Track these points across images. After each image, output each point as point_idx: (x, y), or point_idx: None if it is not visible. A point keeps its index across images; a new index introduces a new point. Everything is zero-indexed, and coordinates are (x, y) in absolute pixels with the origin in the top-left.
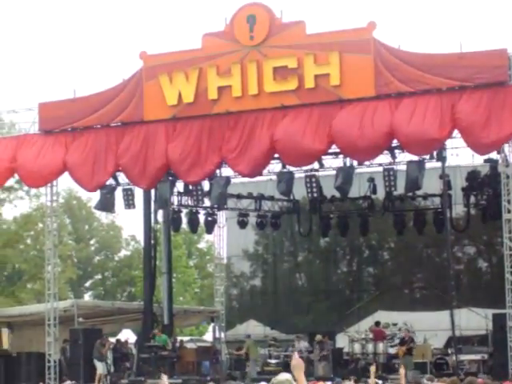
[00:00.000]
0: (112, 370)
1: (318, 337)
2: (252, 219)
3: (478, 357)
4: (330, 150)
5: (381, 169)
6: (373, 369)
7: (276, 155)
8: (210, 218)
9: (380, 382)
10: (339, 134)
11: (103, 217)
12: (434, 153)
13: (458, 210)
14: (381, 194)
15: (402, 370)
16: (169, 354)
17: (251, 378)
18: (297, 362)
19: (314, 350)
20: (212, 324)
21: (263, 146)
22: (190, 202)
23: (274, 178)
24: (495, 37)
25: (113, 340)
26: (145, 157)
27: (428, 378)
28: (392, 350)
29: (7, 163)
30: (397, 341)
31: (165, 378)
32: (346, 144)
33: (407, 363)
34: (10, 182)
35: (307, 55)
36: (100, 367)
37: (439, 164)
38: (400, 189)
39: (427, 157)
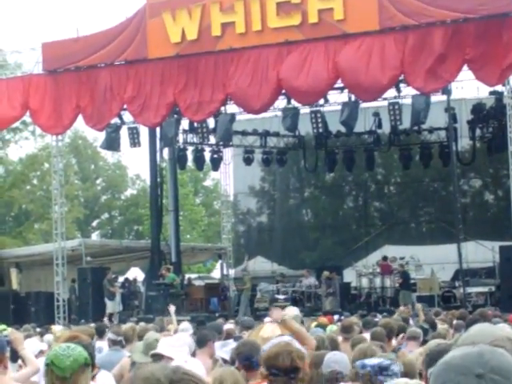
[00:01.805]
0: (121, 308)
1: (326, 273)
2: (258, 156)
3: (485, 289)
4: (335, 85)
5: (386, 103)
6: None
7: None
8: (215, 156)
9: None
10: (346, 70)
11: (109, 156)
12: None
13: (464, 143)
14: (386, 128)
15: (418, 305)
16: (177, 291)
17: (243, 314)
18: (278, 315)
19: (321, 285)
20: (219, 261)
21: (270, 83)
22: (195, 140)
23: (280, 114)
24: None
25: (121, 279)
26: (150, 95)
27: (435, 311)
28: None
29: (18, 107)
30: (398, 276)
31: (172, 308)
32: (353, 81)
33: (405, 297)
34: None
35: None
36: (110, 306)
37: (444, 97)
38: (405, 123)
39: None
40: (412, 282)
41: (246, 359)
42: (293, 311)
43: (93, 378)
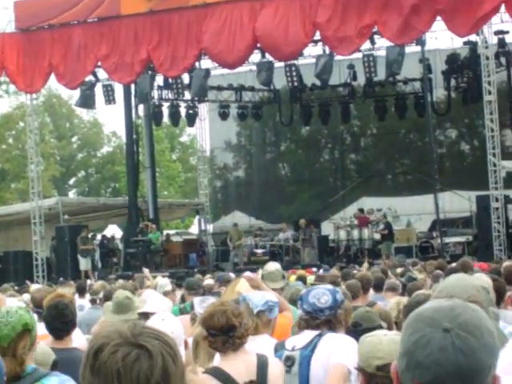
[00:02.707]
0: (99, 265)
1: (302, 221)
2: (233, 110)
3: (462, 239)
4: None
5: (360, 55)
6: (365, 266)
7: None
8: (191, 111)
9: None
10: (322, 25)
11: (84, 114)
12: None
13: (439, 93)
14: (361, 80)
15: (365, 265)
16: (155, 247)
17: (233, 264)
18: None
19: (299, 235)
20: (197, 217)
21: (244, 37)
22: (170, 96)
23: (254, 68)
24: None
25: (99, 236)
26: (124, 52)
27: (412, 262)
28: (377, 236)
29: None
30: (381, 226)
31: (146, 271)
32: (330, 35)
33: (387, 248)
34: None
35: None
36: (83, 263)
37: (419, 48)
38: (380, 74)
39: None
40: None
41: None
42: (274, 266)
43: (68, 334)
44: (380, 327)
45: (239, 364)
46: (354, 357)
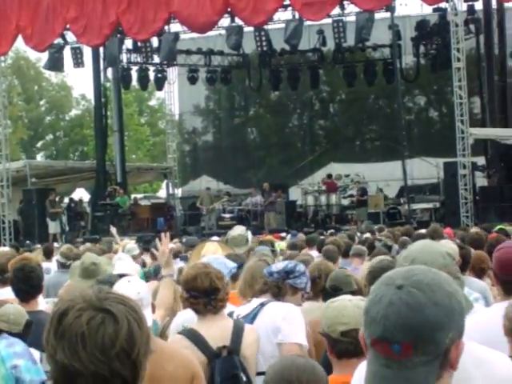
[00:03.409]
0: (67, 229)
1: (265, 185)
2: (202, 75)
3: (429, 205)
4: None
5: (330, 21)
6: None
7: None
8: (159, 75)
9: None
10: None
11: (53, 77)
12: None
13: (408, 60)
14: (330, 45)
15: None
16: (123, 211)
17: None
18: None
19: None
20: (165, 181)
21: (215, 2)
22: (139, 59)
23: (224, 32)
24: None
25: (66, 199)
26: (93, 15)
27: (379, 228)
28: (344, 202)
29: None
30: (349, 192)
31: (114, 229)
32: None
33: (361, 214)
34: None
35: None
36: (52, 226)
37: (388, 14)
38: (350, 40)
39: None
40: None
41: None
42: (238, 230)
43: (34, 297)
44: (360, 292)
45: (215, 328)
46: (302, 329)
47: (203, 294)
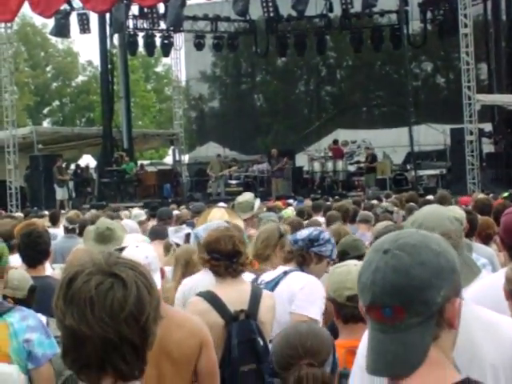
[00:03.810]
0: (73, 195)
1: (273, 151)
2: (209, 41)
3: (436, 172)
4: None
5: None
6: None
7: None
8: (166, 41)
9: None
10: None
11: (59, 43)
12: None
13: (415, 26)
14: (337, 11)
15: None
16: (130, 177)
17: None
18: None
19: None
20: (172, 147)
21: None
22: (145, 25)
23: None
24: None
25: (73, 166)
26: None
27: (386, 194)
28: (351, 168)
29: None
30: (356, 158)
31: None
32: None
33: (369, 180)
34: None
35: None
36: (59, 193)
37: None
38: (357, 6)
39: None
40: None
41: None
42: (244, 197)
43: (41, 263)
44: None
45: (233, 292)
46: (317, 303)
47: (225, 257)
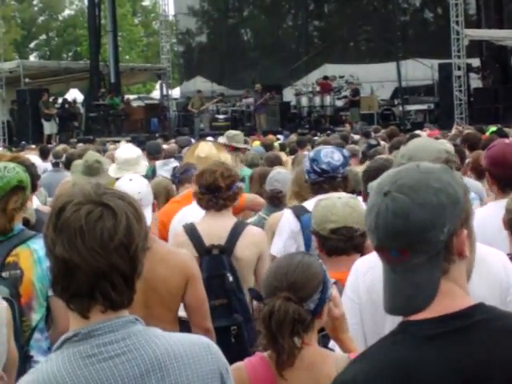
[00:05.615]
0: (60, 129)
1: (258, 86)
2: None
3: (424, 106)
4: None
5: None
6: None
7: None
8: None
9: None
10: None
11: None
12: None
13: None
14: None
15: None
16: (117, 112)
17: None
18: None
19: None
20: (159, 81)
21: None
22: None
23: None
24: None
25: (60, 100)
26: None
27: (374, 128)
28: (339, 103)
29: None
30: (343, 93)
31: None
32: None
33: (353, 115)
34: None
35: None
36: (47, 127)
37: None
38: None
39: None
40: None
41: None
42: (236, 131)
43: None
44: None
45: (215, 226)
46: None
47: (207, 190)
